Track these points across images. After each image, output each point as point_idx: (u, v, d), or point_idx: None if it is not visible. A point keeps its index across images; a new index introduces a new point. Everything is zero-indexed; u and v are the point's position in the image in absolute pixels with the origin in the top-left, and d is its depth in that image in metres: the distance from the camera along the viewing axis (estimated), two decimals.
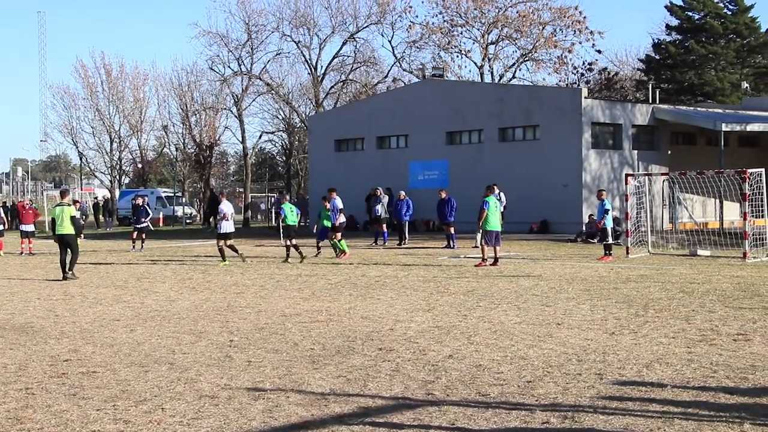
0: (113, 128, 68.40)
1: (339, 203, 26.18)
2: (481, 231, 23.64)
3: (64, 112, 70.73)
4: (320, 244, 26.10)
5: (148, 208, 32.74)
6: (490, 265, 21.96)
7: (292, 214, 25.25)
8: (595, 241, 29.02)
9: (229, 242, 24.18)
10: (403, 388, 8.63)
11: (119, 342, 11.39)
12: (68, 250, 20.21)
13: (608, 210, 24.59)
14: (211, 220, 46.79)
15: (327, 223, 26.01)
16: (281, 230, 26.20)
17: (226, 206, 24.54)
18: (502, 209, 33.21)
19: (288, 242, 24.65)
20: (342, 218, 26.02)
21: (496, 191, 25.11)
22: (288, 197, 28.14)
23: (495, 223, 22.42)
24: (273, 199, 41.47)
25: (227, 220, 24.18)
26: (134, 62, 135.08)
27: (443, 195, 30.47)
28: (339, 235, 25.72)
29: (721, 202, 35.32)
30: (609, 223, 24.70)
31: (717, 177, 28.16)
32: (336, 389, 8.60)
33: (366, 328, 12.23)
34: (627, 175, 27.21)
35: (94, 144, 69.12)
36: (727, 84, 59.08)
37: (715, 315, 13.01)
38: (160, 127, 67.75)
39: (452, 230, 29.31)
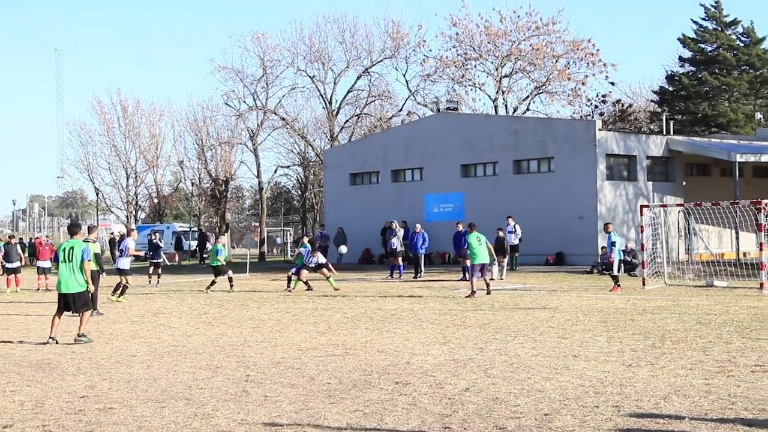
0: (129, 164, 68.93)
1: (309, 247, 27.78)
2: (498, 263, 25.28)
3: (80, 149, 71.33)
4: (301, 278, 26.94)
5: (159, 242, 32.92)
6: (486, 294, 23.05)
7: (223, 250, 27.86)
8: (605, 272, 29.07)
9: (126, 278, 24.00)
10: (420, 421, 8.61)
11: (136, 378, 11.42)
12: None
13: (614, 242, 24.51)
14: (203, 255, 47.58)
15: (298, 262, 27.45)
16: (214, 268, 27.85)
17: (130, 242, 24.81)
18: (517, 241, 33.52)
19: (217, 277, 27.15)
20: (319, 259, 27.02)
21: (477, 229, 25.70)
22: (221, 238, 30.40)
23: (480, 256, 23.42)
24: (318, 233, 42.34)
25: (126, 256, 24.36)
26: (150, 98, 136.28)
27: (460, 227, 30.50)
28: (304, 274, 26.79)
29: (737, 233, 35.17)
30: (618, 255, 24.68)
31: (732, 208, 28.08)
32: (353, 423, 8.60)
33: (382, 362, 12.22)
34: (642, 207, 27.18)
35: (110, 180, 69.66)
36: (741, 115, 59.04)
37: (733, 346, 12.93)
38: (176, 162, 68.23)
39: (468, 263, 29.28)
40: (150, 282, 30.52)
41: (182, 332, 16.37)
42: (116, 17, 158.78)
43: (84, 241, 20.82)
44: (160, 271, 31.35)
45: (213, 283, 27.30)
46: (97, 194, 71.14)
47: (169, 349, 13.97)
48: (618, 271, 24.53)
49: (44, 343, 14.60)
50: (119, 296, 23.74)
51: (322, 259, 27.10)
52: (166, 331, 16.67)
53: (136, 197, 69.98)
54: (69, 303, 14.77)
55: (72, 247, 14.86)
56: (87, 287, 14.88)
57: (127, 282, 24.01)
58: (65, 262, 14.79)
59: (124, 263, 24.30)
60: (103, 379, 11.32)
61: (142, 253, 29.91)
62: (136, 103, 70.45)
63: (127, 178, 69.05)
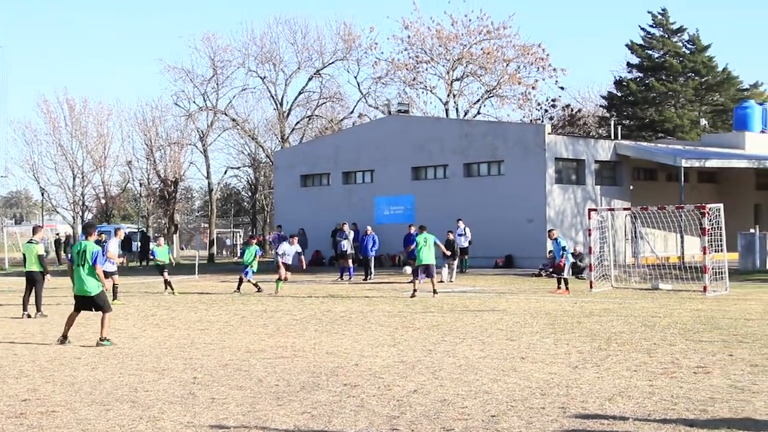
0: (76, 163, 67.98)
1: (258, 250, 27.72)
2: (447, 265, 25.44)
3: (25, 147, 70.33)
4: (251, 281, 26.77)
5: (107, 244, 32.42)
6: (432, 295, 23.36)
7: (159, 250, 26.99)
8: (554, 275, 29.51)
9: (113, 278, 23.47)
10: (368, 423, 8.61)
11: (80, 380, 11.25)
12: (33, 288, 19.96)
13: (565, 247, 24.84)
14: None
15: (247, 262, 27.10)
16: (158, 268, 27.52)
17: (112, 244, 24.04)
18: (466, 244, 33.74)
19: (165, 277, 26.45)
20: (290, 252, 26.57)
21: (427, 230, 25.75)
22: (160, 241, 29.06)
23: (423, 258, 23.79)
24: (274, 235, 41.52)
25: (107, 260, 23.82)
26: (98, 97, 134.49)
27: (412, 230, 30.56)
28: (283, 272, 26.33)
29: (682, 237, 35.78)
30: (568, 260, 24.99)
31: (677, 212, 28.56)
32: (300, 426, 8.57)
33: (331, 364, 12.20)
34: (590, 210, 27.51)
35: (56, 179, 68.65)
36: (687, 121, 60.14)
37: (676, 348, 13.15)
38: (124, 162, 67.47)
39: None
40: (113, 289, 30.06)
41: (128, 334, 16.17)
42: (63, 14, 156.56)
43: (28, 242, 20.50)
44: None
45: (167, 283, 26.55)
46: (43, 194, 70.02)
47: (114, 352, 13.79)
48: (567, 275, 24.82)
49: (60, 343, 14.54)
50: (113, 299, 22.72)
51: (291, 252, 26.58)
52: (112, 333, 16.41)
53: (83, 197, 69.02)
54: (86, 304, 14.64)
55: (83, 250, 14.54)
56: (102, 288, 14.66)
57: (115, 282, 23.27)
58: (79, 264, 14.50)
59: (109, 265, 22.94)
60: (46, 382, 11.13)
61: (122, 260, 28.39)
62: (84, 102, 69.56)
63: (74, 178, 68.11)
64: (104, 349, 14.06)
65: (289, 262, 26.29)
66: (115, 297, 22.89)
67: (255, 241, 29.13)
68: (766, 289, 25.20)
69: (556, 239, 25.20)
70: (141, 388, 10.60)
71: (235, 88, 69.42)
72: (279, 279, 25.79)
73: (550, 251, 33.84)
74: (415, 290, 23.74)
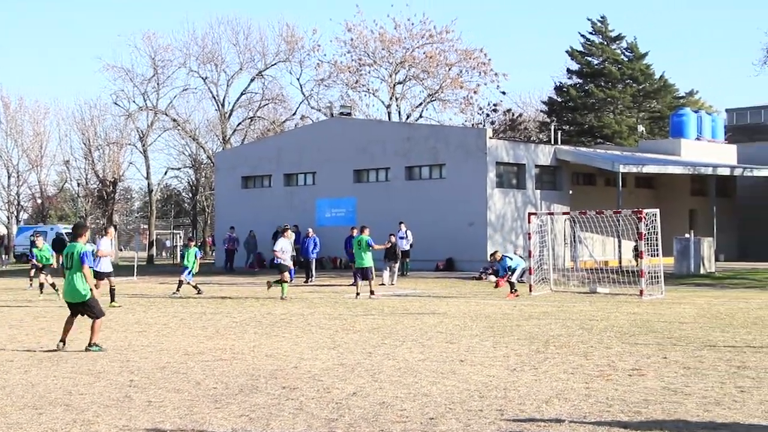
0: (11, 162, 66.71)
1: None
2: (389, 268, 27.73)
3: None
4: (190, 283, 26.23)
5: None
6: (369, 296, 23.93)
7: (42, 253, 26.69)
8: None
9: (110, 280, 23.04)
10: (306, 426, 8.58)
11: (12, 383, 11.01)
12: None
13: (511, 266, 24.65)
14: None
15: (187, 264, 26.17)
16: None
17: (104, 243, 23.32)
18: (408, 247, 33.83)
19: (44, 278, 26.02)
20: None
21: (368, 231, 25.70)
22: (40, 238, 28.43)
23: (358, 260, 24.52)
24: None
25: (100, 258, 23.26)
26: (35, 95, 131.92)
27: (354, 232, 30.53)
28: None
29: (620, 241, 36.34)
30: (522, 264, 25.01)
31: (615, 216, 29.00)
32: (238, 429, 8.50)
33: (270, 367, 12.13)
34: (530, 214, 27.78)
35: None
36: (625, 127, 61.18)
37: (612, 351, 13.34)
38: (62, 161, 66.32)
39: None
40: (31, 285, 29.53)
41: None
42: None
43: None
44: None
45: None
46: None
47: (49, 354, 13.53)
48: (519, 278, 24.87)
49: (55, 350, 13.69)
50: (111, 301, 21.99)
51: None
52: (46, 335, 16.14)
53: (18, 197, 67.70)
54: (78, 309, 13.83)
55: (72, 252, 13.79)
56: (91, 294, 13.77)
57: (111, 285, 22.40)
58: (68, 268, 13.76)
59: (105, 265, 22.38)
60: None
61: (113, 253, 26.59)
62: (19, 100, 68.46)
63: (9, 178, 66.79)
64: (38, 352, 13.79)
65: (288, 261, 25.02)
66: (112, 299, 22.10)
67: (194, 243, 28.80)
68: (700, 293, 25.74)
69: (501, 261, 24.93)
70: (75, 392, 10.42)
71: (176, 88, 68.84)
72: (280, 281, 24.25)
73: (491, 254, 34.15)
74: (357, 293, 24.22)
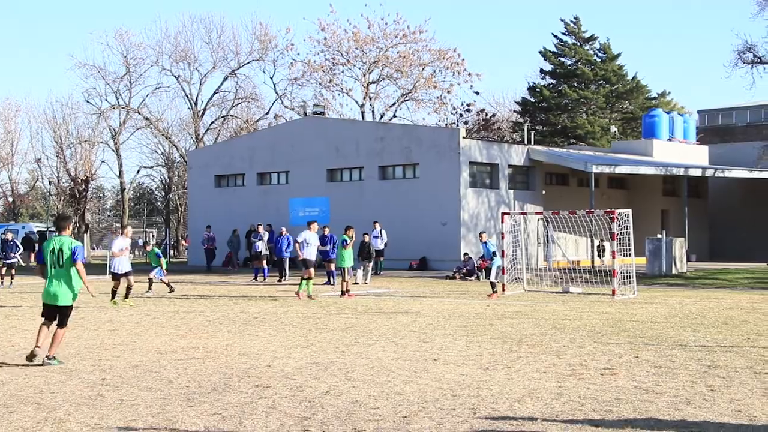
0: None
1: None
2: (362, 267, 28.38)
3: None
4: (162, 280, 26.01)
5: (17, 243, 31.76)
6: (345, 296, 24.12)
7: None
8: (476, 278, 30.08)
9: (129, 279, 22.75)
10: (279, 425, 8.57)
11: None
12: None
13: (495, 252, 24.92)
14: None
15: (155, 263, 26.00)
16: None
17: (118, 242, 23.10)
18: (382, 246, 33.88)
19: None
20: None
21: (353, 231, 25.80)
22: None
23: (340, 259, 25.10)
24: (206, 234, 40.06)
25: (117, 256, 22.93)
26: (5, 93, 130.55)
27: (326, 232, 30.53)
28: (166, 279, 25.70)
29: (592, 241, 36.57)
30: (497, 262, 25.01)
31: (588, 217, 29.18)
32: (211, 427, 8.48)
33: (243, 365, 12.10)
34: (503, 214, 27.87)
35: None
36: (598, 127, 61.57)
37: (585, 350, 13.43)
38: (33, 160, 65.75)
39: (332, 267, 29.40)
40: (2, 283, 29.29)
41: (34, 335, 15.72)
42: None
43: None
44: (13, 272, 30.19)
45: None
46: None
47: (20, 353, 13.41)
48: (496, 278, 24.84)
49: (32, 355, 12.04)
50: (124, 298, 21.89)
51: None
52: (18, 333, 16.01)
53: None
54: (53, 314, 12.27)
55: (59, 248, 12.10)
56: (75, 298, 12.34)
57: (130, 283, 22.16)
58: (54, 265, 12.12)
59: (124, 265, 22.20)
60: None
61: (126, 252, 25.58)
62: None
63: None
64: (9, 351, 13.66)
65: (312, 257, 24.11)
66: (126, 297, 21.96)
67: (151, 245, 28.53)
68: (672, 293, 25.95)
69: (485, 243, 25.45)
70: (47, 390, 10.34)
71: (149, 87, 68.32)
72: (304, 278, 23.56)
73: (465, 253, 34.32)
74: (343, 291, 24.45)
